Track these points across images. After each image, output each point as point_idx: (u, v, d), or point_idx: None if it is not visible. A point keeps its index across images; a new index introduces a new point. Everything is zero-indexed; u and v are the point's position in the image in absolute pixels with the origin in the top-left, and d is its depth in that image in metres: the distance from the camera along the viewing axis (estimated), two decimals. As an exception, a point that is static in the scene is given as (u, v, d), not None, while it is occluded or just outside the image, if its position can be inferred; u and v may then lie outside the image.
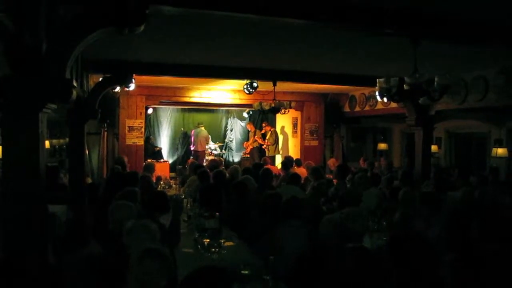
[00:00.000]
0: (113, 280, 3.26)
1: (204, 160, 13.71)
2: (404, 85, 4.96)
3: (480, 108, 8.53)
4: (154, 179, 8.54)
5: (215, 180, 7.14)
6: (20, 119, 3.26)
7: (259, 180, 7.27)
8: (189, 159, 12.71)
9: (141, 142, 11.53)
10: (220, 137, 16.72)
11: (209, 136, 15.08)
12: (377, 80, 5.30)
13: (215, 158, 12.74)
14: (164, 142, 15.93)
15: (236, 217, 5.62)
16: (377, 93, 5.54)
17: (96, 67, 7.21)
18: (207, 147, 14.78)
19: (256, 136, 14.30)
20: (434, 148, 10.75)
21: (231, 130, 17.13)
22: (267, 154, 13.38)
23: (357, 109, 12.20)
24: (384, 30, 4.51)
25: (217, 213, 4.84)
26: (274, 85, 9.15)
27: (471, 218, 4.28)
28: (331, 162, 11.91)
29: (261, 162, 10.54)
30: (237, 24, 4.84)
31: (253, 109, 11.33)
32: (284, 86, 10.26)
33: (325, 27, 4.67)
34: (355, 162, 12.20)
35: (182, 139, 16.21)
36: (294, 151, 13.48)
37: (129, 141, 11.35)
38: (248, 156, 14.42)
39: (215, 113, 16.75)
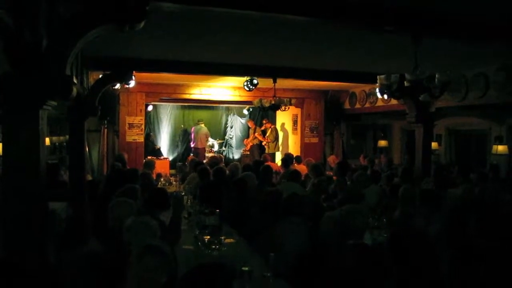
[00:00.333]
0: (113, 277, 3.26)
1: (204, 157, 13.70)
2: (405, 82, 4.95)
3: (481, 105, 8.53)
4: (154, 176, 8.54)
5: (215, 177, 7.14)
6: (21, 116, 3.27)
7: (259, 177, 7.27)
8: (189, 156, 12.71)
9: (141, 139, 11.53)
10: (220, 134, 16.73)
11: (209, 133, 15.09)
12: (377, 76, 5.30)
13: (215, 155, 12.75)
14: (164, 139, 15.93)
15: (236, 214, 5.63)
16: (377, 89, 5.52)
17: (96, 64, 7.21)
18: (207, 144, 14.79)
19: (256, 133, 14.30)
20: (434, 145, 10.75)
21: (231, 127, 17.13)
22: (267, 151, 13.38)
23: (357, 106, 12.19)
24: (384, 27, 4.50)
25: (217, 210, 4.84)
26: (274, 82, 9.15)
27: (471, 215, 4.28)
28: (332, 159, 11.92)
29: (261, 159, 10.54)
30: (237, 21, 4.83)
31: (253, 106, 11.32)
32: (284, 83, 10.27)
33: (326, 24, 4.67)
34: (355, 159, 12.21)
35: (182, 136, 16.20)
36: (294, 148, 13.48)
37: (129, 138, 11.35)
38: (248, 153, 14.42)
39: (215, 110, 16.74)
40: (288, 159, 9.79)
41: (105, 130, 10.39)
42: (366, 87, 11.51)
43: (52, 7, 3.36)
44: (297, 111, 13.30)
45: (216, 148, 15.26)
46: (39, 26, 3.21)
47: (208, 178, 7.31)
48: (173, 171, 11.92)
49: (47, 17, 3.31)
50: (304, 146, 13.09)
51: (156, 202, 4.84)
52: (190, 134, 15.30)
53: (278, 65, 8.19)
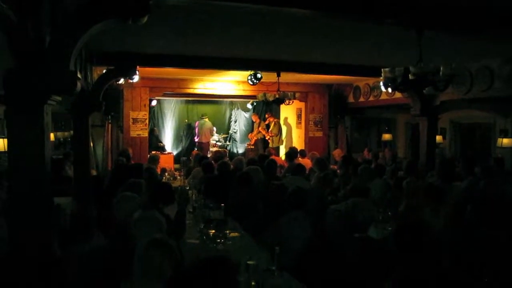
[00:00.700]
0: (118, 271, 3.28)
1: (209, 152, 13.72)
2: (409, 75, 4.93)
3: (485, 98, 8.48)
4: (158, 171, 8.56)
5: (220, 172, 7.15)
6: (25, 111, 3.27)
7: (264, 171, 7.28)
8: (193, 150, 12.72)
9: (145, 134, 11.55)
10: (224, 128, 16.74)
11: (214, 127, 15.10)
12: (382, 70, 5.28)
13: (220, 149, 12.75)
14: (168, 133, 15.96)
15: (241, 208, 5.64)
16: (381, 83, 5.51)
17: (100, 59, 7.20)
18: (212, 138, 14.80)
19: (260, 127, 14.29)
20: (438, 138, 10.72)
21: (235, 122, 17.12)
22: (270, 145, 13.38)
23: (362, 99, 12.14)
24: (386, 20, 4.47)
25: (222, 204, 4.85)
26: (278, 76, 9.13)
27: (475, 209, 4.26)
28: (336, 153, 11.89)
29: (266, 153, 10.54)
30: (241, 15, 4.81)
31: (257, 100, 11.30)
32: (288, 77, 10.24)
33: (329, 17, 4.64)
34: (359, 153, 12.19)
35: (186, 131, 16.22)
36: (298, 142, 13.47)
37: (133, 133, 11.37)
38: (253, 147, 14.42)
39: (219, 105, 16.74)
40: (292, 153, 9.78)
41: (109, 125, 10.41)
42: (370, 81, 11.47)
43: (56, 2, 3.36)
44: (301, 105, 13.26)
45: (220, 142, 15.26)
46: (43, 21, 3.21)
47: (213, 172, 7.32)
48: (177, 166, 11.93)
49: (51, 12, 3.31)
50: (308, 140, 13.06)
51: (161, 197, 4.84)
52: (194, 128, 15.31)
53: (282, 59, 8.17)
